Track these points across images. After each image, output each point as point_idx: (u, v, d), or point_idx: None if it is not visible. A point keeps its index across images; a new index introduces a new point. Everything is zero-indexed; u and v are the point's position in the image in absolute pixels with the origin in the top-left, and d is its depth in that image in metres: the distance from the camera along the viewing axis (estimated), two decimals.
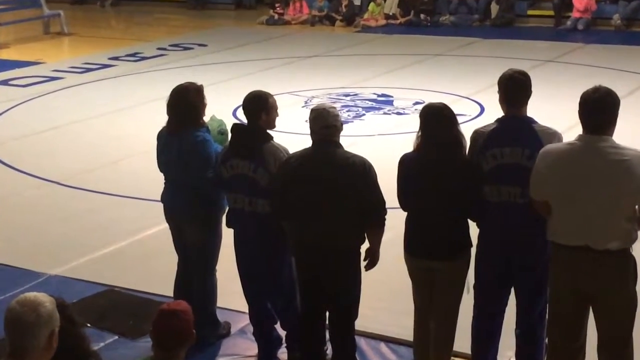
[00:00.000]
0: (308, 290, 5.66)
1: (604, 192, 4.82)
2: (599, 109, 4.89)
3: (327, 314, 5.74)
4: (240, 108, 6.01)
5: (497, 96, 5.48)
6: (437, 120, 5.33)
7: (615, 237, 4.85)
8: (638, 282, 5.02)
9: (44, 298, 3.35)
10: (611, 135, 4.92)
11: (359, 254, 5.57)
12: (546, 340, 5.53)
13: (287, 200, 5.53)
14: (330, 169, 5.41)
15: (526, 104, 5.42)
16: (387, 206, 5.50)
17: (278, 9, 21.65)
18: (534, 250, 5.37)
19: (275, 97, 5.90)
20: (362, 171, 5.39)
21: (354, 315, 5.69)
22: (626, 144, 4.96)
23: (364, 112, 12.70)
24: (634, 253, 4.99)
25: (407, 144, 5.55)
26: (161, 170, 6.32)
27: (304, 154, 5.54)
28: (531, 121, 5.39)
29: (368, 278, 5.66)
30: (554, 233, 5.04)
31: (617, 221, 4.84)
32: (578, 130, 5.05)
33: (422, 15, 20.56)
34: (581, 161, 4.87)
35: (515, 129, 5.36)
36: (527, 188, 5.18)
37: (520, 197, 5.25)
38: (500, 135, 5.35)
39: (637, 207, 4.89)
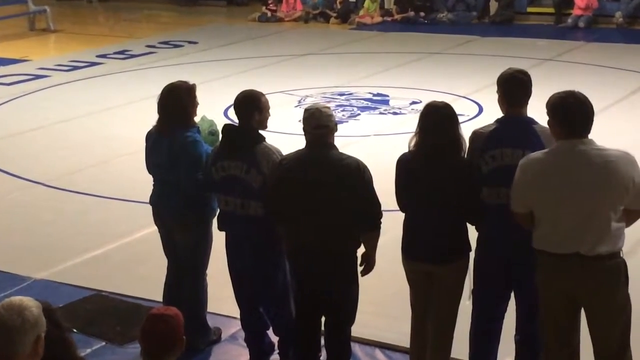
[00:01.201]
0: (303, 296, 5.66)
1: (591, 196, 4.83)
2: (584, 114, 4.89)
3: (323, 319, 5.74)
4: (232, 108, 6.01)
5: (496, 96, 5.49)
6: (436, 120, 5.33)
7: (605, 241, 4.86)
8: (630, 286, 5.03)
9: (29, 302, 3.35)
10: (588, 136, 4.93)
11: (355, 258, 5.58)
12: None
13: (280, 204, 5.53)
14: (324, 171, 5.41)
15: (527, 104, 5.43)
16: (382, 209, 5.50)
17: (271, 5, 21.64)
18: (535, 254, 5.37)
19: (267, 96, 5.91)
20: (357, 173, 5.40)
21: (351, 321, 5.70)
22: (629, 143, 4.96)
23: (359, 111, 12.71)
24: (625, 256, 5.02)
25: (404, 145, 5.56)
26: (150, 172, 6.32)
27: (297, 156, 5.54)
28: (532, 122, 5.40)
29: (363, 282, 5.66)
30: (541, 242, 5.03)
31: (607, 224, 4.85)
32: None
33: (421, 14, 20.58)
34: (566, 167, 4.88)
35: (516, 129, 5.37)
36: None
37: None
38: (500, 136, 5.36)
39: (621, 207, 4.90)
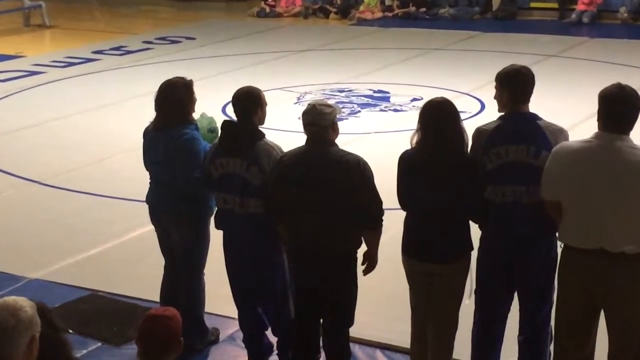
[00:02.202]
0: (303, 296, 5.66)
1: (619, 194, 4.82)
2: (623, 109, 4.88)
3: (322, 320, 5.74)
4: (230, 104, 6.00)
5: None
6: (437, 117, 5.33)
7: (631, 240, 4.84)
8: None
9: (24, 302, 3.34)
10: (629, 134, 4.92)
11: (356, 258, 5.57)
12: (550, 347, 5.54)
13: (280, 202, 5.52)
14: (324, 168, 5.40)
15: (529, 100, 5.43)
16: (383, 207, 5.50)
17: (270, 0, 21.64)
18: (539, 254, 5.36)
19: (266, 93, 5.92)
20: (357, 170, 5.39)
21: (350, 322, 5.69)
22: (634, 141, 4.96)
23: (359, 108, 12.71)
24: None
25: (404, 142, 5.55)
26: (147, 169, 6.31)
27: (296, 153, 5.53)
28: (536, 117, 5.39)
29: (363, 282, 5.66)
30: (566, 235, 5.04)
31: (632, 224, 4.84)
32: (582, 128, 5.07)
33: (421, 9, 20.58)
34: (598, 160, 4.87)
35: (520, 125, 5.36)
36: (533, 187, 5.18)
37: (526, 196, 5.26)
38: (504, 133, 5.35)
39: None
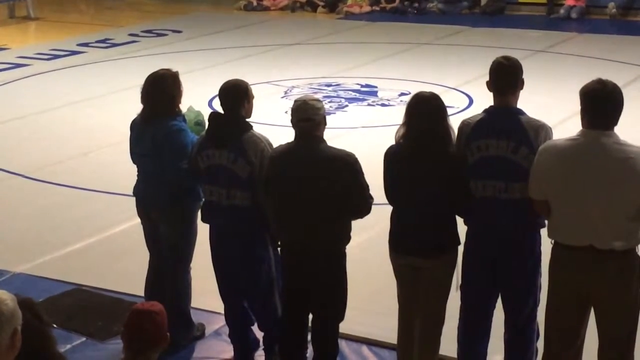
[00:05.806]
0: (292, 291, 5.66)
1: (607, 191, 4.84)
2: (607, 105, 4.89)
3: (311, 315, 5.75)
4: (216, 98, 6.00)
5: (486, 87, 5.50)
6: (423, 111, 5.33)
7: (620, 236, 4.86)
8: None
9: (4, 295, 3.33)
10: (614, 130, 4.93)
11: (345, 255, 5.59)
12: (536, 344, 5.56)
13: (272, 199, 5.52)
14: (315, 166, 5.41)
15: (514, 93, 5.38)
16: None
17: None
18: (522, 250, 5.37)
19: (253, 86, 5.92)
20: (348, 166, 5.40)
21: (339, 317, 5.70)
22: (623, 136, 4.98)
23: (346, 103, 12.70)
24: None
25: (392, 137, 5.56)
26: (134, 162, 6.30)
27: (287, 151, 5.53)
28: (519, 112, 5.37)
29: (350, 277, 5.67)
30: (555, 232, 5.05)
31: (620, 221, 4.85)
32: (570, 123, 5.08)
33: (406, 3, 20.58)
34: (584, 158, 4.88)
35: (502, 119, 5.34)
36: (512, 183, 5.20)
37: (505, 192, 5.26)
38: (485, 126, 5.34)
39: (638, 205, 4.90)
